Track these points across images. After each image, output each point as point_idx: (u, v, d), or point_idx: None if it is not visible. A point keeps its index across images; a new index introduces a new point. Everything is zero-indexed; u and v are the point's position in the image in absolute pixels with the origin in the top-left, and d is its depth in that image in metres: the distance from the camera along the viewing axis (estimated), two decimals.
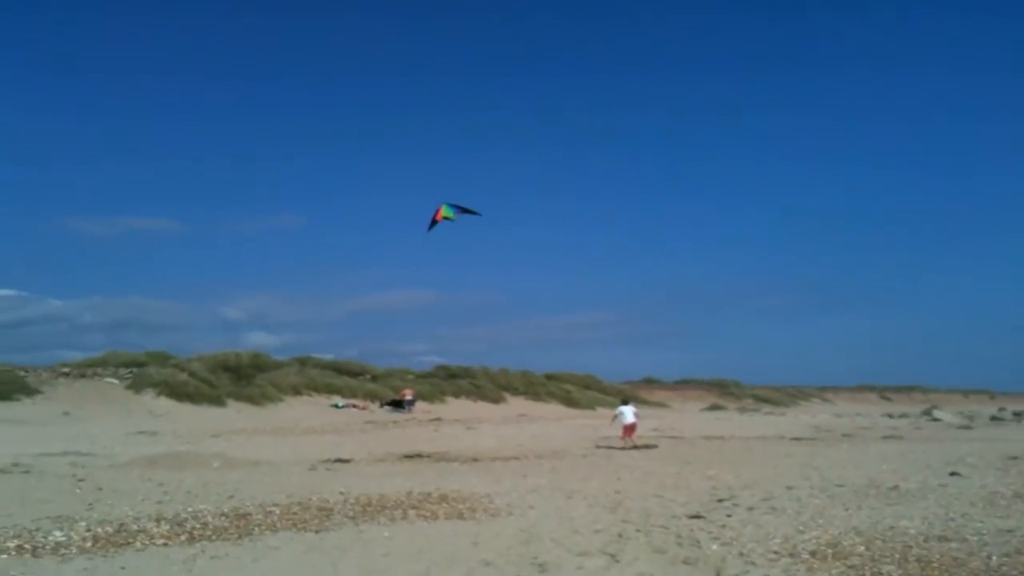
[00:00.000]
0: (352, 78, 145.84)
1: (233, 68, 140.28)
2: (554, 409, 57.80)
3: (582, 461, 20.82)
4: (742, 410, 66.85)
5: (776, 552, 9.79)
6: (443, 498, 13.70)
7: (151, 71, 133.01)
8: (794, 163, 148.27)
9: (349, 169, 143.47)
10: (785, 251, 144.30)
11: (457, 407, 53.05)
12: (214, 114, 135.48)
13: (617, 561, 9.30)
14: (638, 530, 11.13)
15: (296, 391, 48.88)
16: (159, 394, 41.47)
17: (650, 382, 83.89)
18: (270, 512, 12.12)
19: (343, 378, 53.99)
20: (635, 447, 24.38)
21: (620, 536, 10.70)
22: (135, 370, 45.04)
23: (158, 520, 11.33)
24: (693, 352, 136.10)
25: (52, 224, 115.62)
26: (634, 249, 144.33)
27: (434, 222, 24.65)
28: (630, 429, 25.14)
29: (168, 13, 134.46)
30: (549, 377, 68.79)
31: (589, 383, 70.14)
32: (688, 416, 53.65)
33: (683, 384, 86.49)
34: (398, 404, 48.98)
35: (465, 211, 24.90)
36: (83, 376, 43.56)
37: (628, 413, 25.38)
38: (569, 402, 62.14)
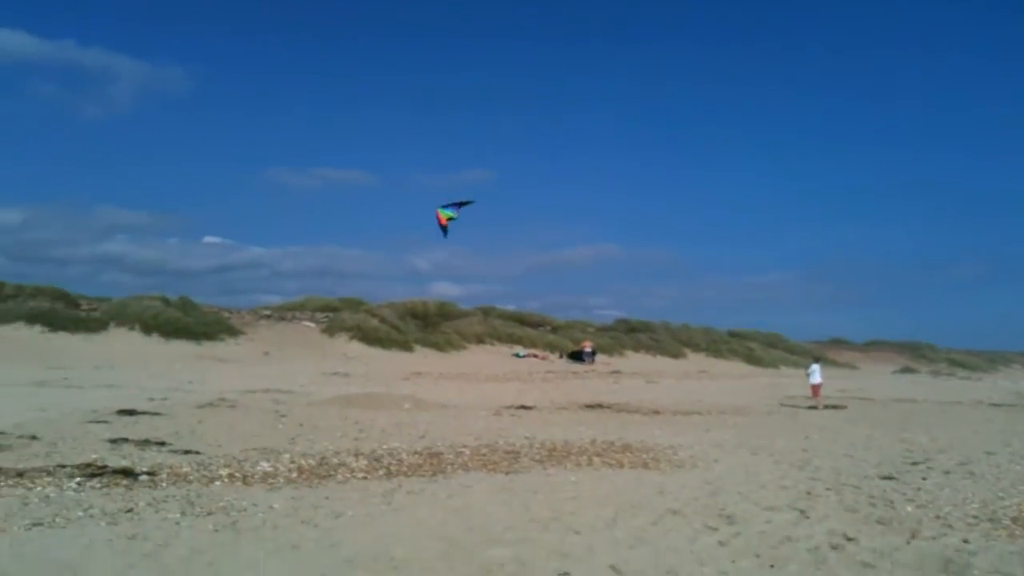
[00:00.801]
0: (560, 41, 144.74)
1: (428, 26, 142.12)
2: (736, 366, 56.83)
3: (767, 419, 20.50)
4: (935, 374, 63.76)
5: (975, 517, 9.40)
6: (627, 448, 13.80)
7: (347, 34, 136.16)
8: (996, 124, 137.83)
9: (537, 126, 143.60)
10: (979, 216, 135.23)
11: (636, 361, 52.96)
12: (404, 69, 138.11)
13: (807, 517, 9.14)
14: (828, 488, 10.89)
15: (479, 339, 50.00)
16: (352, 338, 43.35)
17: (838, 343, 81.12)
18: (460, 452, 12.55)
19: (524, 328, 54.81)
20: (825, 407, 23.78)
21: (809, 494, 10.51)
22: (330, 315, 47.20)
23: (356, 455, 11.93)
24: (883, 314, 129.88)
25: (256, 175, 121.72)
26: (822, 212, 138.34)
27: (444, 228, 24.84)
28: (817, 388, 24.60)
29: None
30: (732, 334, 67.69)
31: (774, 341, 68.60)
32: (878, 378, 51.62)
33: (873, 345, 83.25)
34: (577, 356, 49.33)
35: (461, 205, 24.95)
36: (282, 319, 46.02)
37: (817, 372, 24.86)
38: (752, 360, 60.96)
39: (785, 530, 8.54)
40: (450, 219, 24.49)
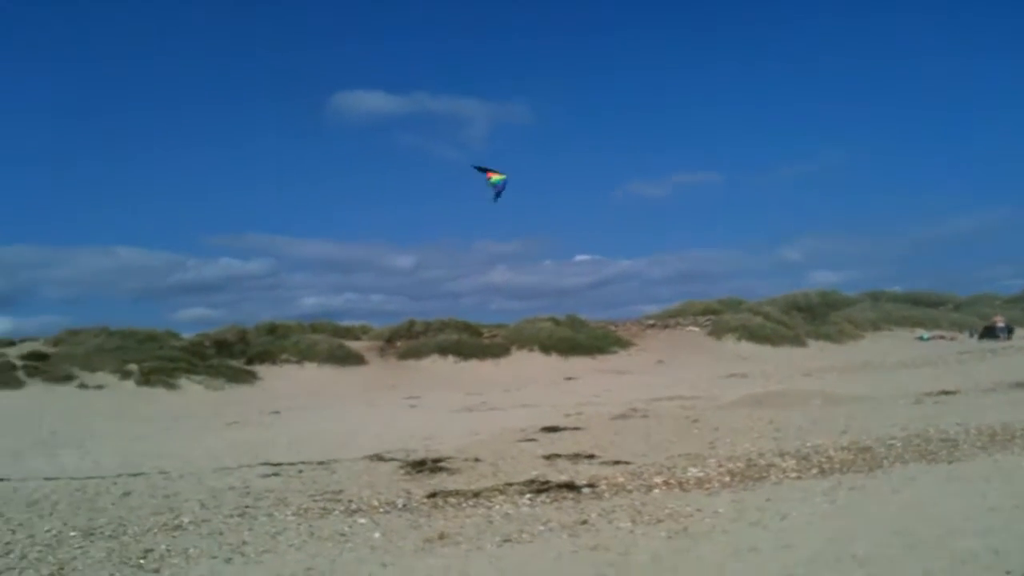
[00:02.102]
0: None
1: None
2: None
3: None
4: None
5: None
6: None
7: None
8: None
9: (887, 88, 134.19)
10: None
11: None
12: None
13: None
14: None
15: (874, 326, 47.76)
16: (739, 338, 43.01)
17: None
18: (891, 445, 12.00)
19: (921, 309, 51.64)
20: None
21: None
22: (711, 317, 47.12)
23: (782, 455, 11.79)
24: None
25: (614, 190, 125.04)
26: None
27: (497, 193, 22.39)
28: None
29: None
30: None
31: None
32: None
33: None
34: (990, 332, 45.33)
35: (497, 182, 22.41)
36: (666, 326, 46.64)
37: None
38: None
39: None
40: (496, 183, 22.96)
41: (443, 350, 38.47)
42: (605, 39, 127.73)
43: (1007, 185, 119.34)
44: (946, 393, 19.20)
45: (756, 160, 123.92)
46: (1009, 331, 45.11)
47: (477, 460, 13.10)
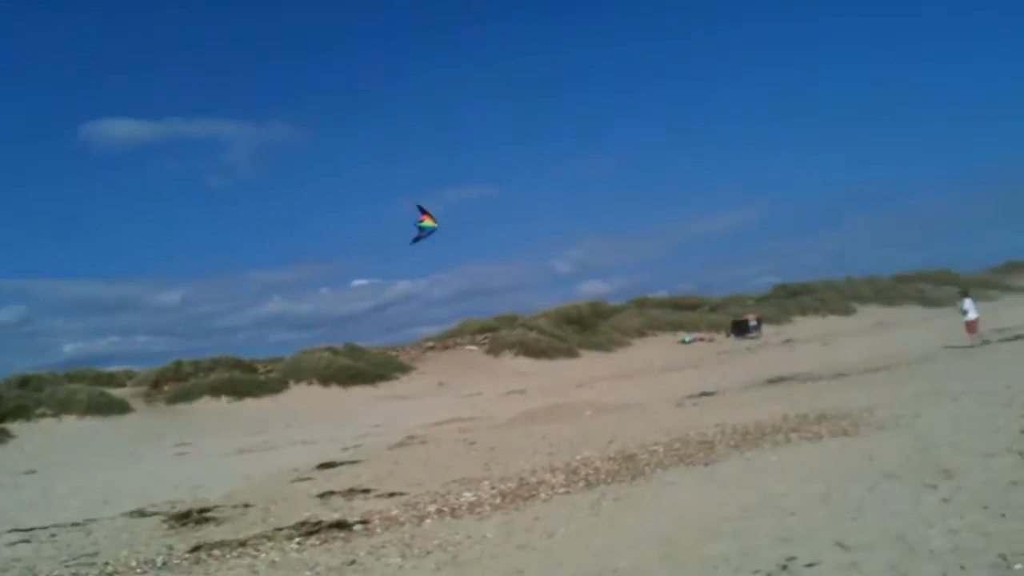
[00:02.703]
0: None
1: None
2: (911, 311, 54.60)
3: (959, 361, 19.63)
4: None
5: None
6: (821, 417, 13.45)
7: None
8: None
9: (657, 100, 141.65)
10: None
11: (806, 325, 51.63)
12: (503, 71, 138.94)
13: None
14: None
15: (640, 332, 49.80)
16: (516, 354, 43.79)
17: (1015, 266, 76.72)
18: (654, 451, 12.49)
19: (683, 313, 54.27)
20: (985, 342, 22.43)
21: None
22: (489, 335, 47.79)
23: (552, 470, 12.03)
24: None
25: (384, 210, 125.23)
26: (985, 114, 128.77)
27: (417, 238, 23.85)
28: (973, 325, 23.16)
29: None
30: (899, 279, 65.30)
31: (946, 278, 65.51)
32: None
33: None
34: (743, 328, 48.45)
35: (426, 226, 23.99)
36: (446, 347, 46.91)
37: (971, 308, 23.40)
38: (927, 302, 58.39)
39: (1008, 475, 8.16)
40: (423, 227, 23.67)
41: (215, 390, 36.89)
42: (373, 54, 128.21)
43: (758, 188, 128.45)
44: (706, 394, 20.28)
45: (527, 173, 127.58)
46: (759, 327, 48.31)
47: (247, 506, 12.60)
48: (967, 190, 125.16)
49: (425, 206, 23.65)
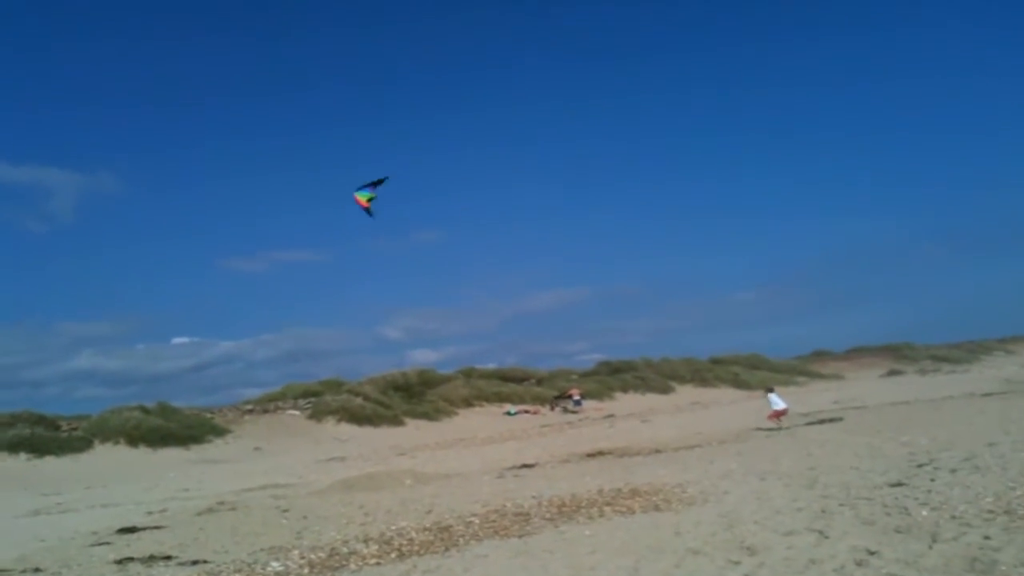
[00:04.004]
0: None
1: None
2: (725, 393, 56.91)
3: (767, 442, 20.45)
4: (922, 372, 64.08)
5: (991, 511, 9.46)
6: (635, 492, 13.72)
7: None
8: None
9: (480, 171, 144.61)
10: (943, 200, 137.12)
11: (627, 401, 52.93)
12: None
13: (827, 537, 9.13)
14: (841, 504, 10.90)
15: (467, 402, 49.80)
16: (339, 420, 42.96)
17: (821, 355, 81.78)
18: (470, 522, 12.42)
19: (509, 385, 54.69)
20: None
21: (824, 512, 10.50)
22: (313, 399, 46.77)
23: (366, 541, 11.76)
24: (859, 319, 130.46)
25: (207, 266, 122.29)
26: (779, 220, 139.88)
27: (367, 210, 24.26)
28: (781, 413, 24.38)
29: None
30: (715, 361, 67.93)
31: (757, 363, 68.89)
32: (866, 384, 51.88)
33: (855, 352, 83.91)
34: (563, 398, 49.46)
35: (376, 184, 24.41)
36: (266, 411, 45.51)
37: (778, 400, 24.67)
38: (739, 384, 61.11)
39: (807, 553, 8.53)
40: (370, 199, 23.60)
41: (13, 447, 34.48)
42: (204, 110, 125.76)
43: (585, 269, 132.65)
44: (527, 466, 20.38)
45: (350, 240, 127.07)
46: (579, 402, 49.24)
47: (37, 571, 11.79)
48: (779, 284, 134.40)
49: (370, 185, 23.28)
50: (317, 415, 43.77)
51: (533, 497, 14.37)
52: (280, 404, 47.00)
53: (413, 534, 11.91)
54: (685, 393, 57.12)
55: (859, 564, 7.94)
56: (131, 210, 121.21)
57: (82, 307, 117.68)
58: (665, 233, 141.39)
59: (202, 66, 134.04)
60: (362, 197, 23.42)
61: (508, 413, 47.82)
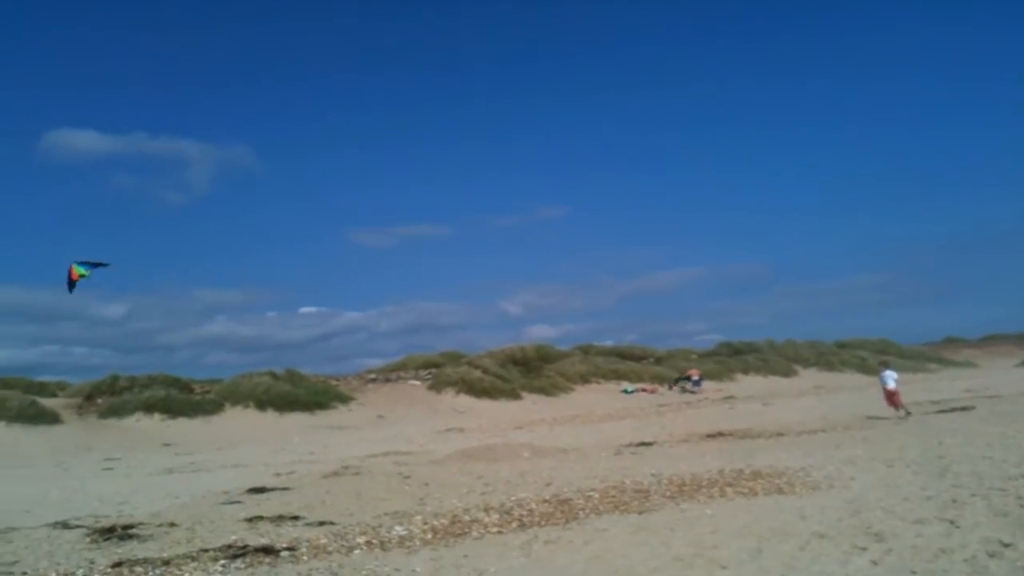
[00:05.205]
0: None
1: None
2: (851, 378, 55.37)
3: (895, 429, 19.83)
4: None
5: None
6: (757, 474, 13.51)
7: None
8: None
9: (607, 152, 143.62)
10: None
11: (748, 383, 52.11)
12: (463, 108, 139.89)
13: (957, 527, 8.82)
14: (973, 494, 10.51)
15: (584, 379, 49.84)
16: (458, 392, 43.63)
17: (952, 341, 78.67)
18: (589, 496, 12.45)
19: (627, 363, 54.42)
20: (908, 413, 22.59)
21: (955, 501, 10.15)
22: (432, 371, 47.61)
23: (487, 510, 11.91)
24: (993, 305, 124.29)
25: (338, 240, 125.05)
26: (907, 199, 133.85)
27: (71, 282, 24.29)
28: (893, 394, 23.22)
29: None
30: (840, 345, 66.23)
31: (884, 348, 66.75)
32: (1000, 373, 49.78)
33: (989, 340, 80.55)
34: (683, 379, 49.02)
35: (97, 265, 24.46)
36: (388, 381, 46.58)
37: (890, 377, 23.42)
38: (865, 369, 59.21)
39: (937, 542, 8.27)
40: (81, 276, 24.09)
41: (149, 407, 36.22)
42: (336, 86, 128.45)
43: (702, 248, 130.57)
44: (644, 444, 20.30)
45: (480, 214, 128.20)
46: (699, 383, 48.71)
47: (172, 525, 12.31)
48: (905, 268, 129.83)
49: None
50: (437, 386, 44.52)
51: (652, 475, 14.29)
52: (401, 374, 48.02)
53: (533, 505, 12.01)
54: (808, 377, 55.87)
55: (992, 555, 7.66)
56: (264, 182, 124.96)
57: (216, 275, 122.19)
58: (784, 215, 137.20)
59: (335, 42, 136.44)
60: (77, 270, 24.00)
61: (625, 391, 47.68)
